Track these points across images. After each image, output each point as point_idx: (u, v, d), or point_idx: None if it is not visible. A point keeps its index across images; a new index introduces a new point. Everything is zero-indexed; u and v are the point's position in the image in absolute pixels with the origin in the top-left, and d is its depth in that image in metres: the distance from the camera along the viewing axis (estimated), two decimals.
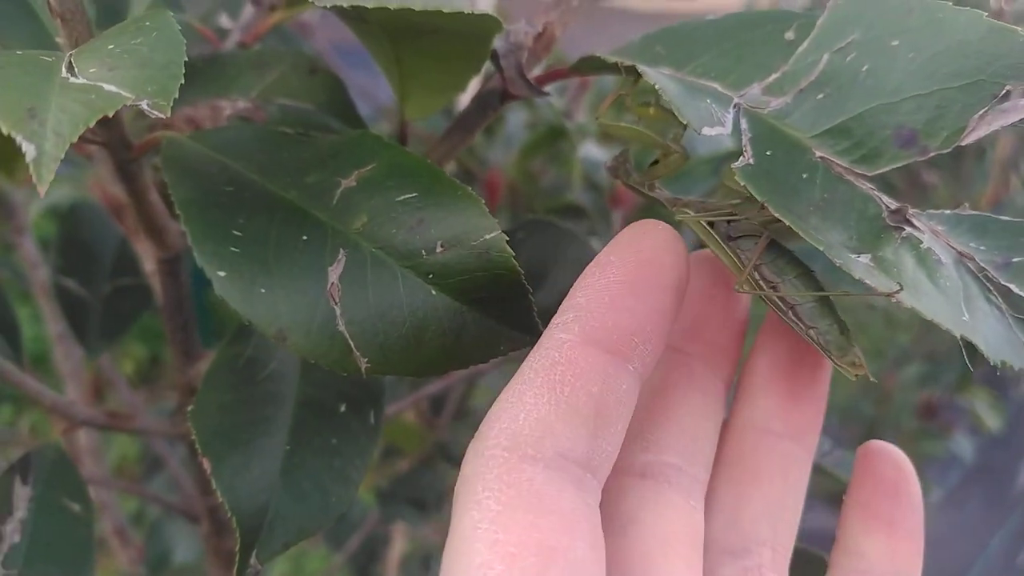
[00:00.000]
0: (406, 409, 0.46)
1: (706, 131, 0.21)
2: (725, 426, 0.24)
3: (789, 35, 0.25)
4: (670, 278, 0.20)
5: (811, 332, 0.22)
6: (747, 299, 0.25)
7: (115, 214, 0.35)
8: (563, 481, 0.17)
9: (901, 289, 0.19)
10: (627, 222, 0.58)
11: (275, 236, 0.22)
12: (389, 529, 0.76)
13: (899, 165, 0.21)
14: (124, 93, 0.16)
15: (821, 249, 0.20)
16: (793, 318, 0.22)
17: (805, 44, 0.23)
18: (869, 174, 0.21)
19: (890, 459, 0.24)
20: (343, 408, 0.26)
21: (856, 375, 0.22)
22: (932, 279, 0.20)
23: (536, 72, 0.28)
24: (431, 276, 0.21)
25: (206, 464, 0.26)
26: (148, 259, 0.36)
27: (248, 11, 0.34)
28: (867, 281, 0.19)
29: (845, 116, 0.21)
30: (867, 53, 0.22)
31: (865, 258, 0.19)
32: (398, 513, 0.72)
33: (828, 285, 0.24)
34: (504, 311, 0.22)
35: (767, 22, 0.25)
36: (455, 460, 0.72)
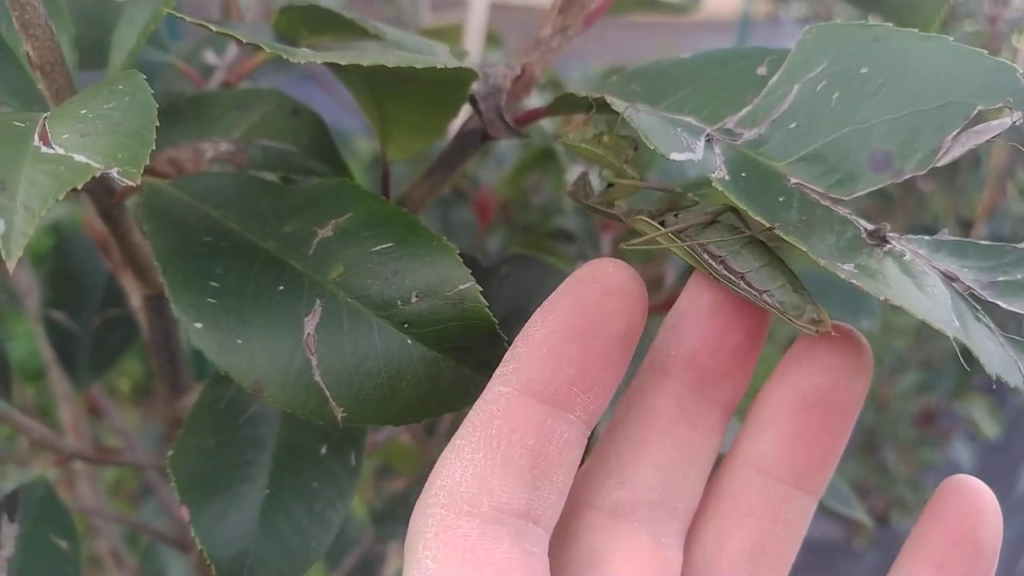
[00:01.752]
0: (397, 433, 0.47)
1: (675, 156, 0.21)
2: (722, 459, 0.23)
3: (761, 70, 0.25)
4: (616, 325, 0.19)
5: (764, 297, 0.22)
6: (755, 323, 0.23)
7: (102, 249, 0.36)
8: (499, 534, 0.18)
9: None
10: (616, 245, 0.58)
11: (253, 287, 0.22)
12: (384, 548, 0.76)
13: (875, 188, 0.21)
14: (94, 164, 0.16)
15: (804, 249, 0.20)
16: (746, 287, 0.22)
17: (776, 77, 0.24)
18: (846, 198, 0.21)
19: (963, 498, 0.21)
20: (324, 450, 0.26)
21: (818, 331, 0.21)
22: (920, 287, 0.20)
23: (521, 102, 0.28)
24: (407, 326, 0.22)
25: (185, 513, 0.26)
26: (134, 294, 0.36)
27: (233, 49, 0.34)
28: (856, 283, 0.19)
29: (818, 143, 0.22)
30: (837, 82, 0.22)
31: (849, 265, 0.19)
32: (393, 532, 0.72)
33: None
34: (479, 359, 0.22)
35: (739, 59, 0.26)
36: None
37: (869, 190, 0.22)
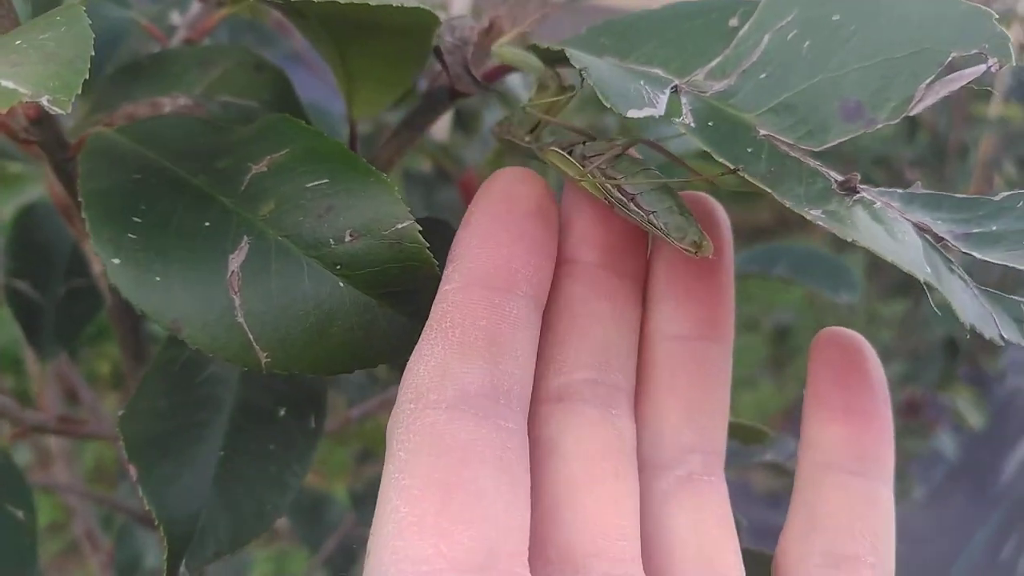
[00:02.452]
0: (375, 411, 0.45)
1: (632, 112, 0.20)
2: (640, 338, 0.24)
3: (733, 22, 0.24)
4: (529, 204, 0.21)
5: (651, 218, 0.21)
6: None
7: (65, 215, 0.35)
8: (465, 416, 0.18)
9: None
10: None
11: (176, 222, 0.21)
12: (365, 532, 0.75)
13: (846, 138, 0.20)
14: (21, 89, 0.15)
15: (770, 192, 0.19)
16: (635, 208, 0.22)
17: (746, 27, 0.23)
18: (816, 149, 0.20)
19: (840, 344, 0.23)
20: (282, 412, 0.25)
21: (699, 254, 0.21)
22: (890, 233, 0.19)
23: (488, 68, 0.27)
24: (339, 267, 0.20)
25: (133, 471, 0.25)
26: (96, 261, 0.35)
27: (196, 7, 0.33)
28: (823, 226, 0.18)
29: (788, 93, 0.21)
30: (808, 30, 0.22)
31: (817, 211, 0.19)
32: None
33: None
34: (418, 306, 0.20)
35: (710, 10, 0.24)
36: None
37: (840, 140, 0.21)
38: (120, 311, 0.34)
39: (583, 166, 0.24)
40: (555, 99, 0.25)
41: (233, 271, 0.20)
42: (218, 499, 0.25)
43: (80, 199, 0.21)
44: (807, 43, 0.22)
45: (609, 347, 0.22)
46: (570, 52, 0.21)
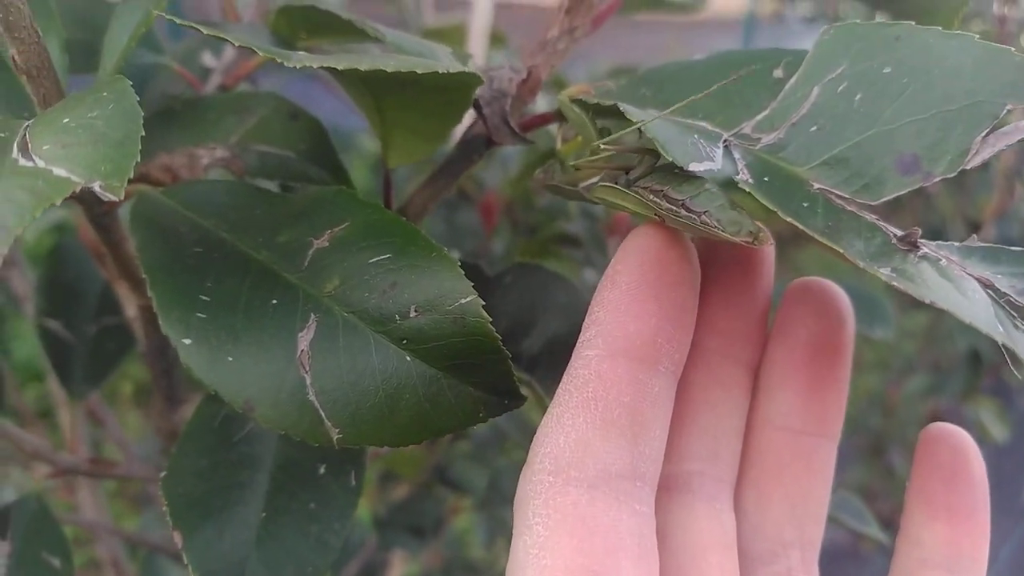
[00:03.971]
0: None
1: (694, 167, 0.20)
2: (747, 423, 0.24)
3: (778, 73, 0.24)
4: (679, 273, 0.20)
5: (704, 218, 0.21)
6: (765, 284, 0.24)
7: (97, 257, 0.35)
8: (607, 498, 0.18)
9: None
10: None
11: (244, 300, 0.21)
12: (387, 555, 0.75)
13: (903, 192, 0.21)
14: (74, 178, 0.15)
15: (837, 249, 0.19)
16: (686, 213, 0.22)
17: (794, 79, 0.23)
18: (873, 203, 0.21)
19: (947, 443, 0.23)
20: (323, 470, 0.25)
21: (756, 244, 0.21)
22: (960, 291, 0.19)
23: (527, 106, 0.27)
24: (405, 342, 0.21)
25: (177, 537, 0.25)
26: (129, 304, 0.35)
27: (231, 50, 0.33)
28: (897, 286, 0.18)
29: (841, 146, 0.21)
30: (859, 83, 0.22)
31: (886, 269, 0.19)
32: (396, 540, 0.71)
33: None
34: (482, 377, 0.21)
35: (754, 61, 0.25)
36: (453, 485, 0.72)
37: (897, 194, 0.21)
38: (154, 354, 0.34)
39: (631, 191, 0.24)
40: (601, 156, 0.25)
41: (303, 349, 0.20)
42: (260, 563, 0.25)
43: (144, 275, 0.22)
44: (858, 96, 0.22)
45: (719, 437, 0.22)
46: (624, 107, 0.21)
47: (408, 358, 0.21)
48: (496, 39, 0.87)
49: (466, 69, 0.21)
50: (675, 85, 0.25)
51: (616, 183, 0.24)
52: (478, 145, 0.29)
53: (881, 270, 0.19)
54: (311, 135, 0.30)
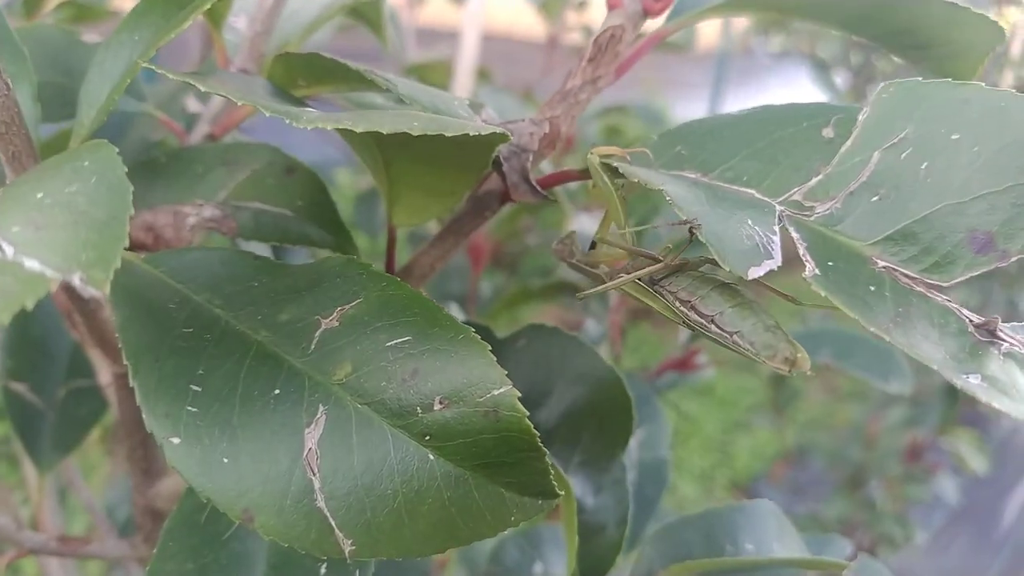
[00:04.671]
0: None
1: (754, 273, 0.18)
2: None
3: (827, 132, 0.22)
4: None
5: (735, 339, 0.20)
6: None
7: (67, 319, 0.32)
8: None
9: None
10: (622, 301, 0.55)
11: (242, 390, 0.18)
12: None
13: (977, 273, 0.19)
14: (49, 272, 0.12)
15: (934, 368, 0.17)
16: (716, 330, 0.20)
17: (850, 142, 0.21)
18: (945, 285, 0.19)
19: None
20: (324, 570, 0.23)
21: (792, 371, 0.19)
22: None
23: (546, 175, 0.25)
24: (428, 438, 0.18)
25: None
26: (103, 370, 0.32)
27: (217, 100, 0.31)
28: (994, 404, 0.17)
29: (907, 220, 0.19)
30: (925, 149, 0.20)
31: (975, 378, 0.17)
32: None
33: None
34: (516, 477, 0.18)
35: (800, 117, 0.23)
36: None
37: (971, 275, 0.19)
38: (130, 426, 0.31)
39: (655, 291, 0.22)
40: (622, 248, 0.23)
41: (310, 447, 0.18)
42: None
43: (126, 361, 0.19)
44: (924, 164, 0.20)
45: None
46: (671, 192, 0.19)
47: (431, 456, 0.18)
48: (481, 75, 0.86)
49: (497, 130, 0.18)
50: (715, 144, 0.23)
51: (642, 280, 0.22)
52: (491, 202, 0.27)
53: (970, 380, 0.17)
54: (309, 190, 0.27)
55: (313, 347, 0.19)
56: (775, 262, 0.18)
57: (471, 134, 0.18)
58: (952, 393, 1.38)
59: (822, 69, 1.56)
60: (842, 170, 0.21)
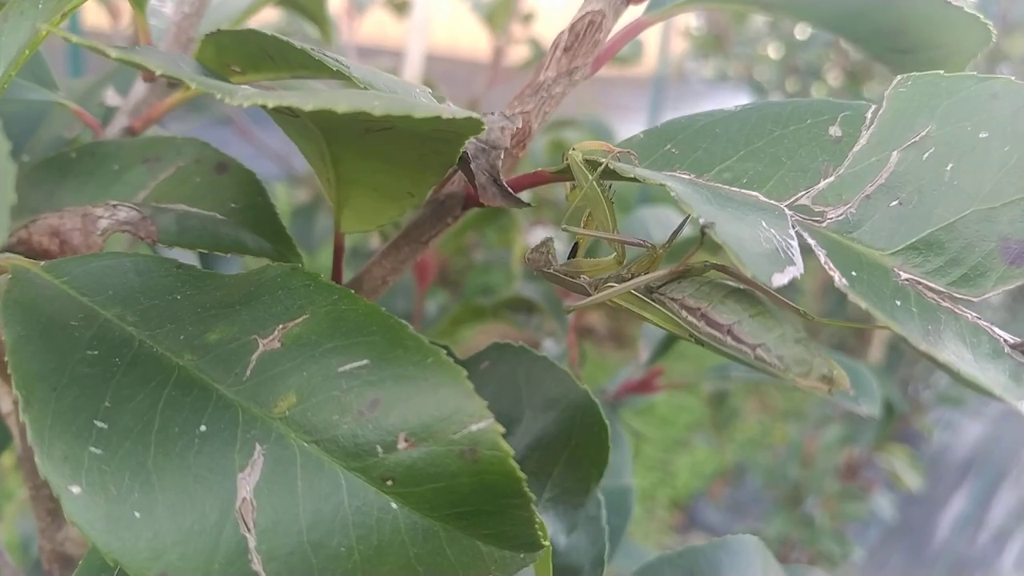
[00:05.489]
0: None
1: (778, 280, 0.15)
2: None
3: (834, 131, 0.20)
4: None
5: (759, 352, 0.17)
6: None
7: None
8: None
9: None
10: (579, 317, 0.52)
11: (159, 427, 0.15)
12: None
13: (1010, 287, 0.17)
14: None
15: (997, 393, 0.15)
16: (733, 343, 0.18)
17: (864, 140, 0.19)
18: (974, 300, 0.17)
19: None
20: None
21: (832, 392, 0.17)
22: None
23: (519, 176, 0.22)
24: (391, 483, 0.15)
25: None
26: (4, 397, 0.28)
27: (141, 87, 0.27)
28: None
29: (932, 227, 0.17)
30: (950, 149, 0.18)
31: None
32: None
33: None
34: (495, 527, 0.15)
35: (803, 115, 0.20)
36: None
37: (1003, 289, 0.17)
38: (32, 461, 0.27)
39: (653, 300, 0.19)
40: (610, 264, 0.21)
41: (244, 497, 0.14)
42: None
43: (15, 392, 0.15)
44: (949, 165, 0.18)
45: None
46: (677, 189, 0.16)
47: (394, 505, 0.15)
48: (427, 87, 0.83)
49: (473, 115, 0.15)
50: (708, 142, 0.20)
51: (636, 290, 0.20)
52: (453, 206, 0.24)
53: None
54: (243, 191, 0.24)
55: (249, 373, 0.16)
56: (797, 269, 0.16)
57: (444, 117, 0.15)
58: (887, 410, 1.39)
59: (760, 92, 1.57)
60: (856, 171, 0.19)
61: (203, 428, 0.15)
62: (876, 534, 1.71)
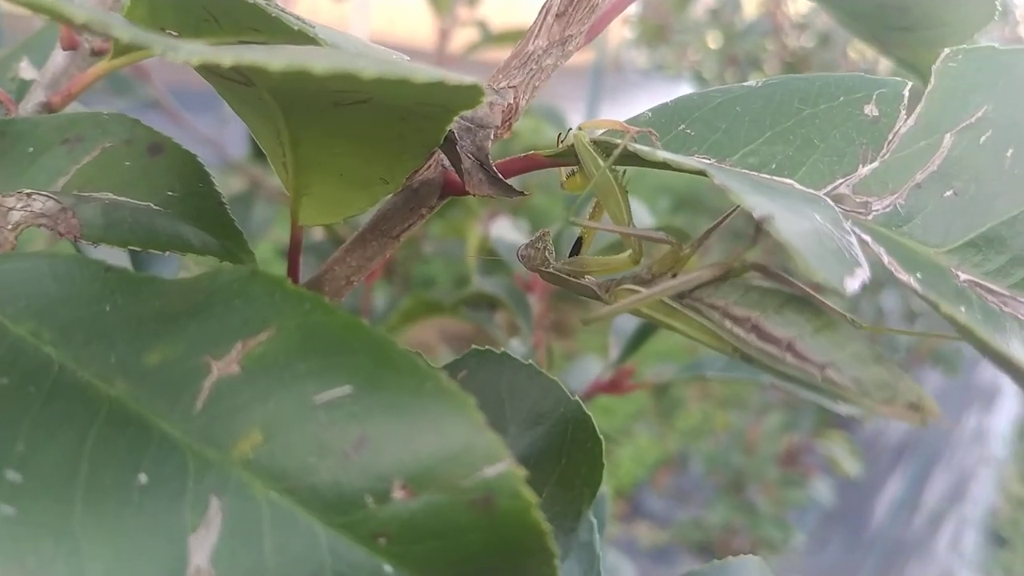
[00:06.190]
0: None
1: (851, 285, 0.12)
2: None
3: (870, 109, 0.18)
4: None
5: (829, 373, 0.15)
6: None
7: None
8: None
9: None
10: (546, 312, 0.49)
11: (87, 477, 0.12)
12: None
13: None
14: None
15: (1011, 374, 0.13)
16: (795, 362, 0.15)
17: (912, 120, 0.17)
18: None
19: None
20: None
21: (923, 421, 0.14)
22: None
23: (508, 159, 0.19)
24: (383, 541, 0.12)
25: None
26: None
27: (60, 57, 0.23)
28: None
29: (993, 220, 0.15)
30: (1010, 133, 0.16)
31: None
32: None
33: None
34: None
35: (835, 92, 0.18)
36: None
37: None
38: None
39: (685, 307, 0.17)
40: (625, 262, 0.18)
41: (198, 566, 0.11)
42: None
43: None
44: (1010, 151, 0.16)
45: None
46: (724, 182, 0.13)
47: (388, 568, 0.12)
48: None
49: (478, 82, 0.13)
50: (728, 122, 0.18)
51: (668, 298, 0.17)
52: (429, 195, 0.21)
53: None
54: (183, 177, 0.20)
55: (201, 405, 0.12)
56: (865, 271, 0.13)
57: (449, 83, 0.12)
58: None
59: (702, 82, 1.57)
60: (903, 156, 0.17)
61: (143, 478, 0.12)
62: (815, 519, 1.74)
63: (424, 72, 0.11)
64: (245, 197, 0.79)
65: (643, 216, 0.48)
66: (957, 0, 0.25)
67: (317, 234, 0.63)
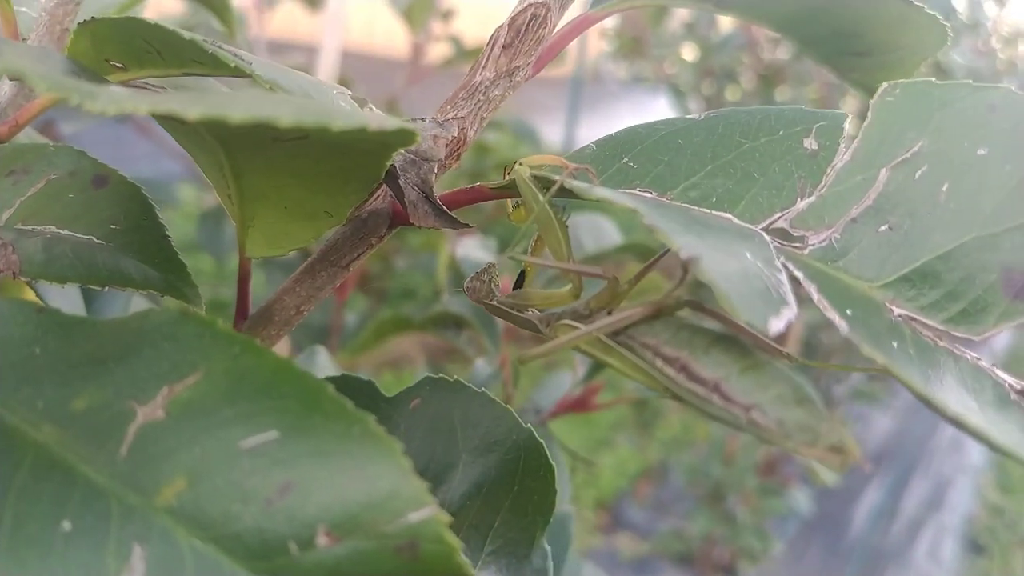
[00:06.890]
0: None
1: (774, 326, 0.13)
2: None
3: (809, 143, 0.18)
4: None
5: (753, 415, 0.15)
6: None
7: None
8: None
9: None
10: (510, 333, 0.49)
11: (10, 525, 0.12)
12: None
13: (1014, 324, 0.15)
14: None
15: (942, 410, 0.13)
16: (721, 402, 0.15)
17: (848, 155, 0.17)
18: (975, 339, 0.15)
19: None
20: None
21: (843, 465, 0.14)
22: None
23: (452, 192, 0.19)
24: None
25: None
26: None
27: (8, 87, 0.23)
28: None
29: (927, 255, 0.15)
30: (945, 168, 0.16)
31: None
32: None
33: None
34: None
35: (775, 126, 0.18)
36: None
37: (1006, 327, 0.15)
38: None
39: (618, 344, 0.17)
40: (566, 297, 0.18)
41: None
42: None
43: None
44: (945, 186, 0.16)
45: None
46: (651, 217, 0.14)
47: None
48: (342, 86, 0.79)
49: (406, 125, 0.13)
50: (671, 155, 0.18)
51: (604, 335, 0.17)
52: (378, 226, 0.21)
53: None
54: (126, 209, 0.20)
55: (126, 451, 0.12)
56: (792, 310, 0.13)
57: (371, 128, 0.12)
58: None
59: (678, 95, 1.58)
60: (840, 191, 0.17)
61: (66, 525, 0.12)
62: (794, 528, 1.75)
63: (343, 119, 0.11)
64: (219, 211, 0.79)
65: (612, 233, 0.48)
66: (909, 25, 0.25)
67: None
